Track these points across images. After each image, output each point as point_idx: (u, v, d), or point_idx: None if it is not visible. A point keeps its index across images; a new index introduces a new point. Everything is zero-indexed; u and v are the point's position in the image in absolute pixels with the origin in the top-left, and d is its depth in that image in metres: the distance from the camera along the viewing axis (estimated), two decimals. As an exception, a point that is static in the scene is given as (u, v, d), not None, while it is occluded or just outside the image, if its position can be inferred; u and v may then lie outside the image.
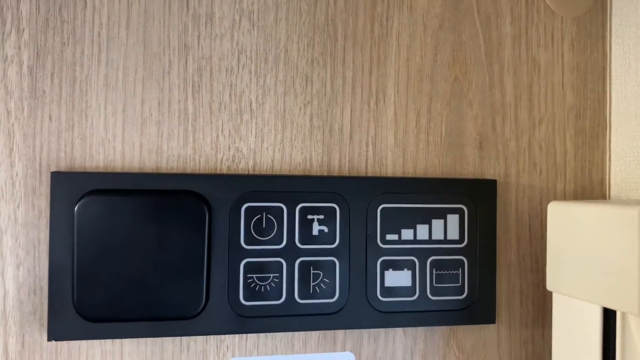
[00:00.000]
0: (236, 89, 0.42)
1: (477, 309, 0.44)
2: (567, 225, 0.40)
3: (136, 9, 0.41)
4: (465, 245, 0.44)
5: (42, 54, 0.40)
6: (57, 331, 0.38)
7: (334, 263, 0.42)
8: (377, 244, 0.43)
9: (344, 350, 0.44)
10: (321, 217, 0.42)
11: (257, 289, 0.41)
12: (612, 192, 0.48)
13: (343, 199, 0.42)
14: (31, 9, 0.39)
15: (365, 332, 0.44)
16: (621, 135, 0.47)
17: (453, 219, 0.44)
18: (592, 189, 0.48)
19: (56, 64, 0.40)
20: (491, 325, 0.46)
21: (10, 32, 0.39)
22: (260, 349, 0.42)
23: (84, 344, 0.40)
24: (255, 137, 0.43)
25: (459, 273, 0.44)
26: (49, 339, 0.38)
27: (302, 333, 0.43)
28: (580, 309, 0.39)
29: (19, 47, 0.39)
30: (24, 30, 0.39)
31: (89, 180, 0.39)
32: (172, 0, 0.41)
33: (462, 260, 0.44)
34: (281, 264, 0.41)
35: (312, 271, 0.42)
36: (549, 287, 0.42)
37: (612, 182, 0.48)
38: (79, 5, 0.40)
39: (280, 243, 0.41)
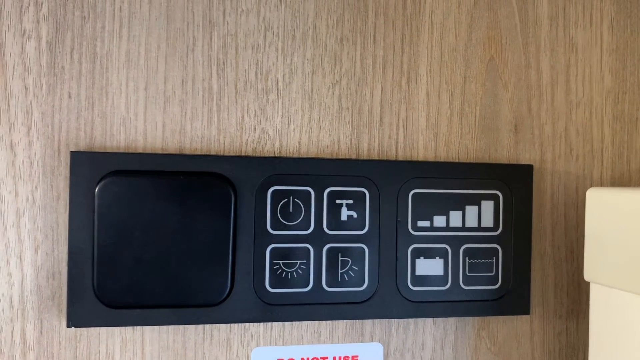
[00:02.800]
0: (262, 67, 0.40)
1: (511, 299, 0.42)
2: (608, 212, 0.38)
3: (159, -18, 0.39)
4: (500, 233, 0.42)
5: (62, 29, 0.38)
6: (77, 317, 0.37)
7: (363, 250, 0.40)
8: (408, 230, 0.41)
9: (372, 341, 0.42)
10: (350, 202, 0.40)
11: (283, 275, 0.39)
12: (651, 180, 0.46)
13: (373, 184, 0.41)
14: (50, -19, 0.38)
15: (395, 322, 0.42)
16: (662, 120, 0.45)
17: (487, 206, 0.42)
18: (630, 176, 0.46)
19: (76, 39, 0.38)
20: (524, 316, 0.44)
21: (29, 5, 0.38)
22: (285, 338, 0.41)
23: (103, 330, 0.39)
24: (282, 117, 0.41)
25: (492, 262, 0.42)
26: (68, 326, 0.37)
27: (329, 322, 0.41)
28: (621, 300, 0.37)
29: (38, 22, 0.38)
30: (42, 3, 0.38)
31: (110, 161, 0.37)
32: (197, -26, 0.40)
33: (496, 249, 0.42)
34: (308, 250, 0.40)
35: (340, 258, 0.40)
36: (586, 277, 0.40)
37: (652, 169, 0.46)
38: (99, -23, 0.38)
39: (308, 228, 0.40)
